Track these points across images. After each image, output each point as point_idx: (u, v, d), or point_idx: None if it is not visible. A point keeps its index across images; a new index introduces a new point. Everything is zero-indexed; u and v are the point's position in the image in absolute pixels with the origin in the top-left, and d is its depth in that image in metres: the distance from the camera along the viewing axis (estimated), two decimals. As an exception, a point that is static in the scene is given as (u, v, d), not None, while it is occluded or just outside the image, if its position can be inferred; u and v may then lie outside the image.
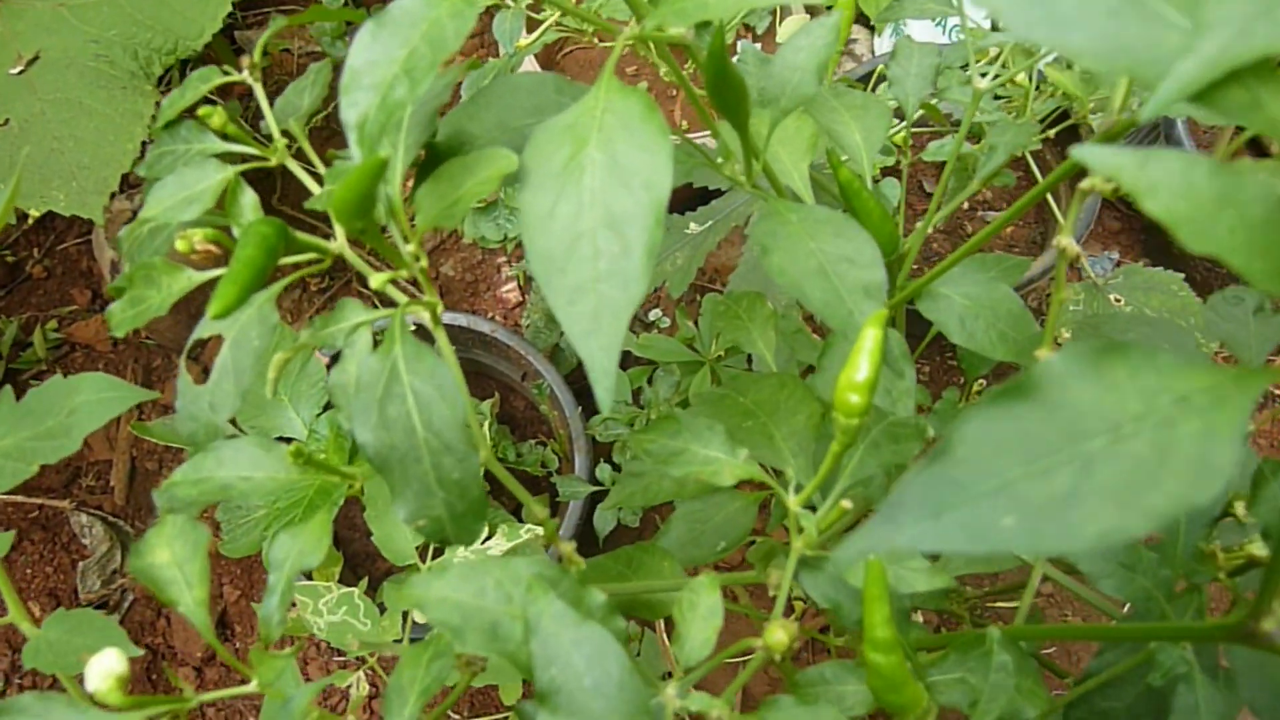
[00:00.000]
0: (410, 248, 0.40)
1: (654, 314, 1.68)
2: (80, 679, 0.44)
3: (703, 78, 0.44)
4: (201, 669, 1.64)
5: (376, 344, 0.39)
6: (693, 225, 1.19)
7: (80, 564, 1.66)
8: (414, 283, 0.44)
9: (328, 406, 1.17)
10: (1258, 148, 1.59)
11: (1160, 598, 0.50)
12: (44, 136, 1.18)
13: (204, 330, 0.43)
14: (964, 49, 0.76)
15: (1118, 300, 1.31)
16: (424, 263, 0.41)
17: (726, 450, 0.45)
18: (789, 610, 0.49)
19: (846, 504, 0.42)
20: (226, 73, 0.47)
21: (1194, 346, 0.70)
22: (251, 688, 0.40)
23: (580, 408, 1.42)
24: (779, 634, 0.39)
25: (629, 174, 0.38)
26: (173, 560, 0.39)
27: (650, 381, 1.43)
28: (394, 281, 0.39)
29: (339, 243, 0.46)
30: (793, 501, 0.44)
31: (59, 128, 1.19)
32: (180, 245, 0.42)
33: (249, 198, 0.44)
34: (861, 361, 0.40)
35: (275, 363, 0.41)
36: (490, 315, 1.75)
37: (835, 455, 0.42)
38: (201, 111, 0.43)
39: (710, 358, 1.53)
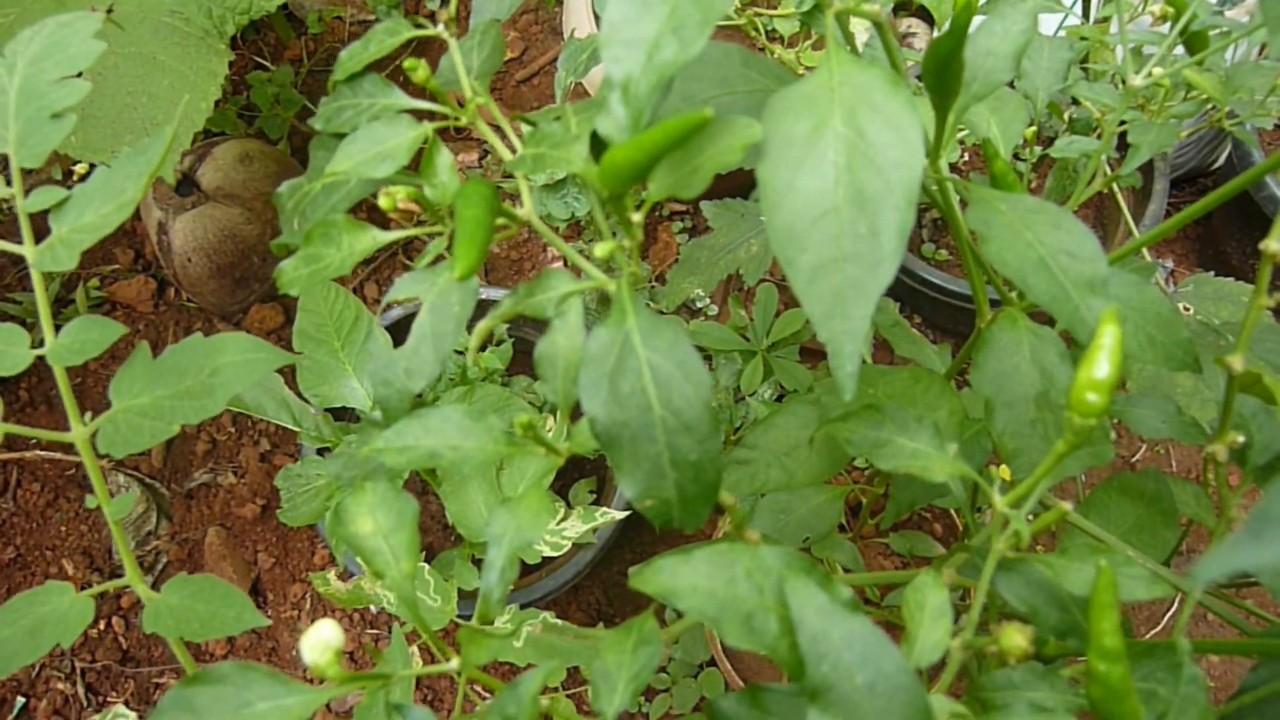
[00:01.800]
0: (637, 217, 0.38)
1: (703, 301, 1.66)
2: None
3: (929, 57, 0.42)
4: (233, 638, 1.62)
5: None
6: (769, 213, 1.17)
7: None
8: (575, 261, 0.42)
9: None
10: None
11: (1343, 615, 0.48)
12: (117, 90, 1.16)
13: (399, 293, 0.41)
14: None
15: (1187, 309, 1.29)
16: (640, 235, 0.39)
17: (935, 445, 0.43)
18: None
19: (1067, 505, 0.40)
20: (419, 25, 0.45)
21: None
22: (453, 665, 0.38)
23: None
24: (1017, 638, 0.37)
25: (877, 151, 0.36)
26: (377, 530, 0.37)
27: (710, 368, 1.41)
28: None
29: (526, 210, 0.44)
30: (1000, 501, 0.42)
31: (132, 82, 1.16)
32: (384, 203, 0.40)
33: (445, 158, 0.42)
34: (1101, 360, 0.38)
35: (480, 330, 0.39)
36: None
37: (1059, 455, 0.40)
38: (407, 64, 0.41)
39: (763, 348, 1.51)
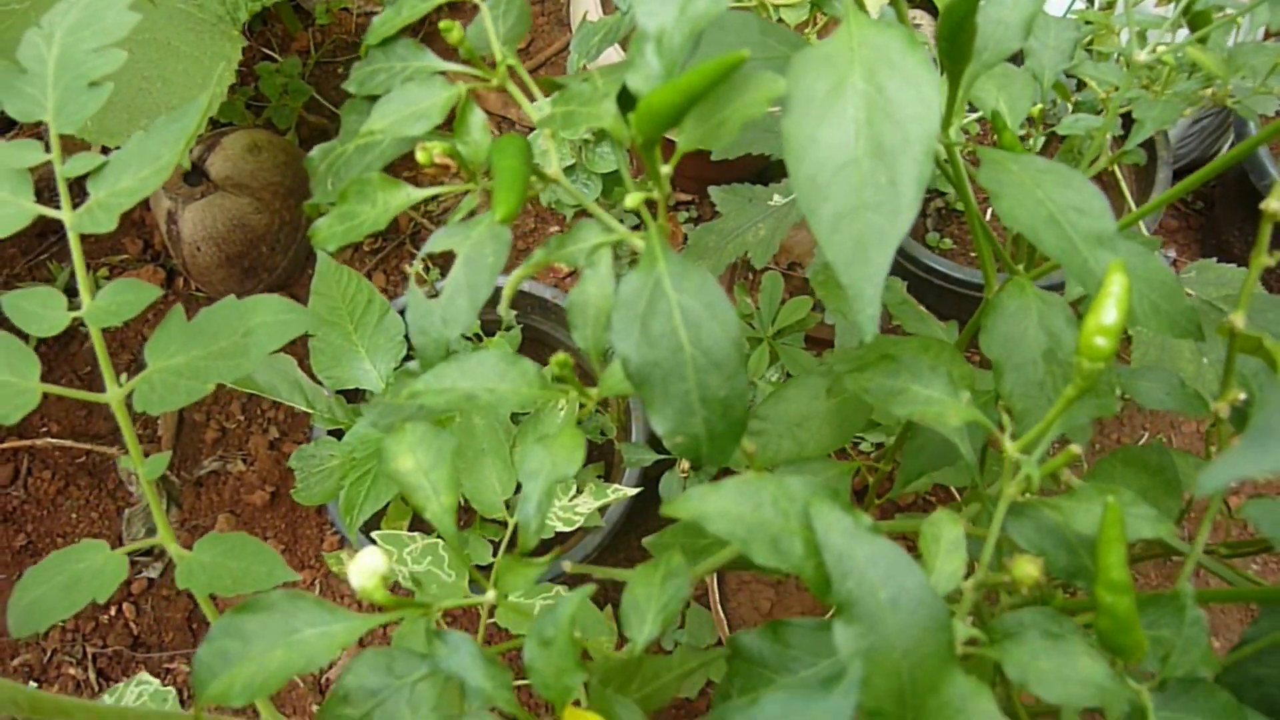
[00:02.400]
0: (666, 169, 0.40)
1: (708, 290, 1.67)
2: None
3: (943, 22, 0.44)
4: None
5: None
6: (776, 197, 1.19)
7: (125, 511, 1.66)
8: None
9: (406, 358, 1.16)
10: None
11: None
12: (131, 75, 1.17)
13: (435, 245, 0.43)
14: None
15: (1190, 295, 1.31)
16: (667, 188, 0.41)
17: (949, 392, 0.45)
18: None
19: (1076, 449, 0.42)
20: (452, -8, 0.47)
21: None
22: (489, 597, 0.39)
23: (641, 377, 1.42)
24: (1028, 567, 0.39)
25: (896, 106, 0.38)
26: (417, 467, 0.39)
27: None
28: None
29: (554, 170, 0.46)
30: (1011, 447, 0.44)
31: (147, 68, 1.18)
32: (421, 157, 0.42)
33: (479, 117, 0.44)
34: (1109, 306, 0.40)
35: (514, 280, 0.41)
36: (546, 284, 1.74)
37: (1069, 399, 0.42)
38: (442, 25, 0.43)
39: (769, 335, 1.53)
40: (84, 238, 0.57)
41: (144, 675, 0.84)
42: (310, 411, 1.23)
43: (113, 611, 1.62)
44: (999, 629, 0.42)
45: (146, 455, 1.18)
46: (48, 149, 0.56)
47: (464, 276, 0.42)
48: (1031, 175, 0.45)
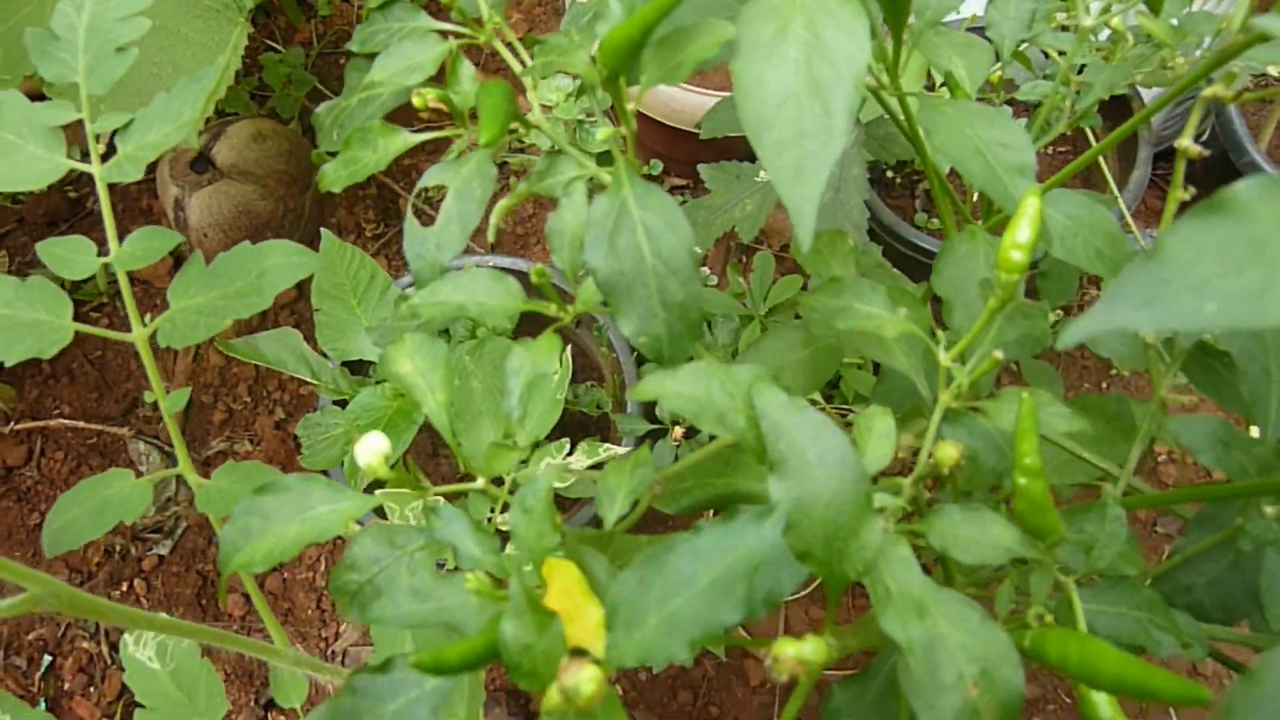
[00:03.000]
0: (632, 106, 0.46)
1: (703, 271, 1.73)
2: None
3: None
4: (245, 617, 1.69)
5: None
6: (763, 174, 1.25)
7: (136, 490, 1.72)
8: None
9: (407, 332, 1.22)
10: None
11: (1252, 470, 0.56)
12: (142, 61, 1.24)
13: (429, 180, 0.49)
14: None
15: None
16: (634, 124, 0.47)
17: (887, 308, 0.51)
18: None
19: (998, 354, 0.48)
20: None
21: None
22: (478, 484, 0.46)
23: (634, 353, 1.48)
24: (950, 450, 0.45)
25: (830, 48, 0.44)
26: (415, 370, 0.45)
27: (710, 328, 1.49)
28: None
29: (535, 116, 0.52)
30: (944, 357, 0.50)
31: (157, 54, 1.24)
32: (416, 102, 0.48)
33: (468, 69, 0.50)
34: (1023, 225, 0.46)
35: (500, 209, 0.47)
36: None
37: (992, 310, 0.48)
38: (435, -15, 0.49)
39: (760, 313, 1.59)
40: (95, 223, 0.63)
41: (163, 617, 0.90)
42: (315, 386, 1.29)
43: (124, 588, 1.69)
44: (928, 512, 0.48)
45: (156, 436, 1.26)
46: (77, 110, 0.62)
47: (455, 207, 0.48)
48: (963, 116, 0.51)
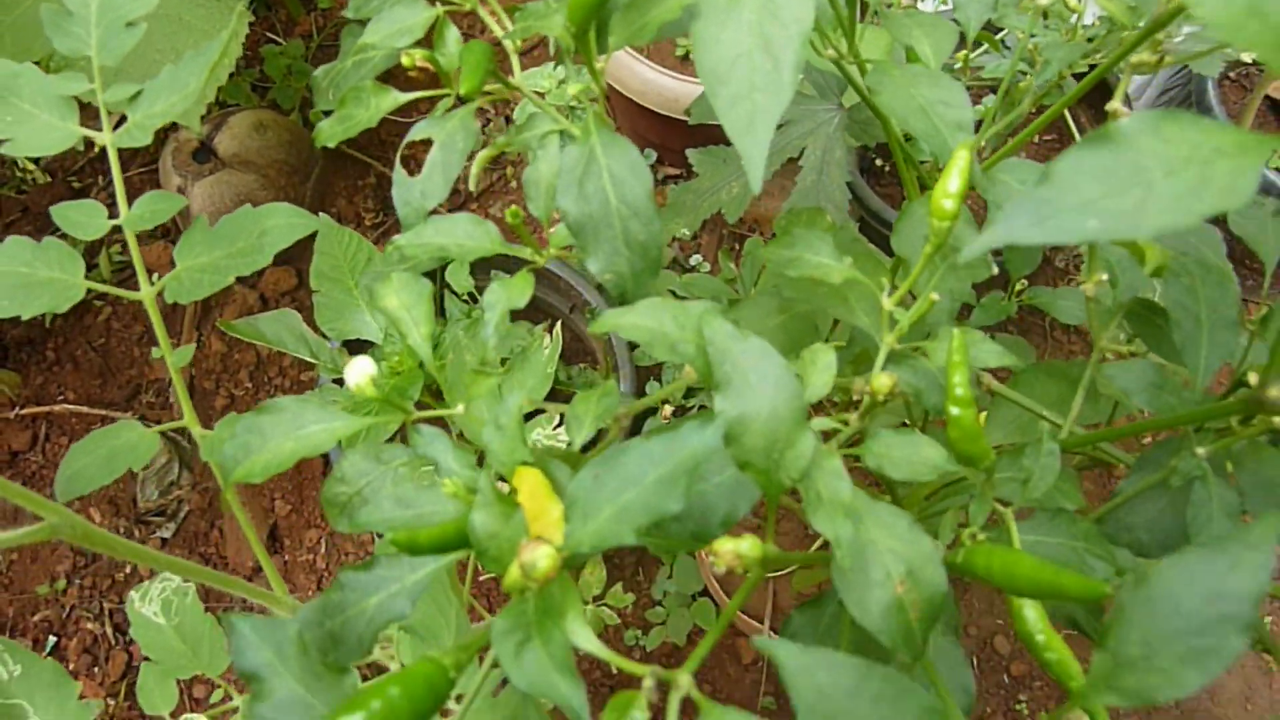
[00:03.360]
0: (601, 64, 0.51)
1: (695, 259, 1.78)
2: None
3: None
4: (251, 578, 1.74)
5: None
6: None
7: (140, 474, 1.77)
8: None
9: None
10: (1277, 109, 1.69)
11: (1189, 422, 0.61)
12: (146, 49, 1.29)
13: (416, 135, 0.54)
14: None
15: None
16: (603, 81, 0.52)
17: (834, 257, 0.56)
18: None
19: (935, 296, 0.52)
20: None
21: (1219, 242, 0.81)
22: (458, 410, 0.50)
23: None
24: (884, 379, 0.50)
25: (781, 10, 0.49)
26: (401, 305, 0.50)
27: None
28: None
29: (516, 79, 0.57)
30: (888, 302, 0.55)
31: (160, 41, 1.30)
32: (405, 61, 0.53)
33: (453, 32, 0.55)
34: (954, 176, 0.51)
35: (480, 159, 0.52)
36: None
37: (928, 255, 0.53)
38: (419, -42, 0.54)
39: (751, 297, 1.64)
40: None
41: (167, 574, 0.95)
42: (315, 367, 1.34)
43: (128, 570, 1.74)
44: (866, 437, 0.53)
45: (159, 421, 1.31)
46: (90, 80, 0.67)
47: (439, 157, 0.53)
48: (908, 78, 0.56)
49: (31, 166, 1.94)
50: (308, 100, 1.91)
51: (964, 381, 0.50)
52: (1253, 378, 0.53)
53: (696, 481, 0.39)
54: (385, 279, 0.51)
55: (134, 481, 1.78)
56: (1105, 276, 0.65)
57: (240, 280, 1.89)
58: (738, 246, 1.85)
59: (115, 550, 0.61)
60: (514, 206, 0.51)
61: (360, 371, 0.46)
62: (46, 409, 1.79)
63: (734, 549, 0.40)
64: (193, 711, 1.12)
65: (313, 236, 2.02)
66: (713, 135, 1.73)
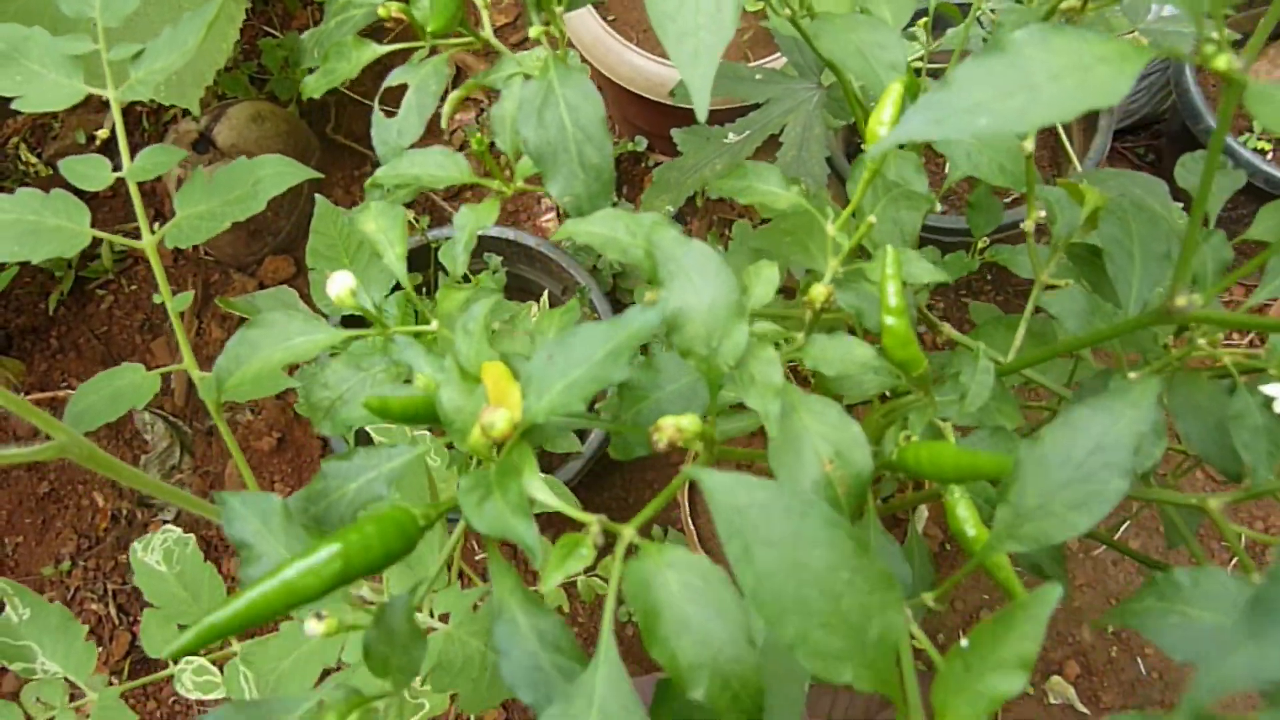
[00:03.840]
0: (560, 9, 0.56)
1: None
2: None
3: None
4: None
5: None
6: (731, 135, 1.36)
7: (143, 457, 1.82)
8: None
9: (395, 288, 1.33)
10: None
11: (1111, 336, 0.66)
12: (145, 34, 1.35)
13: (393, 80, 0.59)
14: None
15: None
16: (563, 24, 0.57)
17: (781, 186, 0.62)
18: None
19: (872, 219, 0.58)
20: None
21: (1165, 193, 0.86)
22: (433, 326, 0.56)
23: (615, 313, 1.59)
24: (818, 289, 0.55)
25: (723, -43, 0.55)
26: (378, 229, 0.56)
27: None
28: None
29: (486, 33, 0.63)
30: (831, 228, 0.60)
31: (159, 26, 1.35)
32: (381, 12, 0.58)
33: (427, -13, 0.61)
34: (887, 106, 0.56)
35: (452, 99, 0.58)
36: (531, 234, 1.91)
37: (866, 181, 0.58)
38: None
39: (724, 253, 1.70)
40: (100, 204, 0.73)
41: (169, 526, 1.00)
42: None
43: (130, 552, 1.79)
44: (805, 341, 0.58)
45: (161, 407, 1.37)
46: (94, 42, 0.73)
47: (414, 99, 0.58)
48: (848, 24, 0.62)
49: (34, 160, 2.00)
50: (305, 92, 1.97)
51: (897, 292, 0.55)
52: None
53: (647, 371, 0.44)
54: (365, 207, 0.56)
55: (137, 464, 1.84)
56: (1043, 212, 0.70)
57: (240, 269, 1.95)
58: (727, 232, 1.90)
59: (119, 474, 0.67)
60: (479, 134, 0.56)
61: (341, 284, 0.52)
62: (50, 395, 1.85)
63: (675, 423, 0.45)
64: (192, 655, 1.17)
65: (310, 225, 2.08)
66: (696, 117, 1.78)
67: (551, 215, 1.94)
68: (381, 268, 1.33)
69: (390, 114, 0.60)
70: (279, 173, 0.71)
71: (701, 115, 0.52)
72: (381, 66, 0.63)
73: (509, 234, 1.62)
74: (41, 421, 0.61)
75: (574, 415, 0.47)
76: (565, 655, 0.42)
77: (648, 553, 0.41)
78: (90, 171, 0.74)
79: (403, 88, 0.62)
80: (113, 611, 1.76)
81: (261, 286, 1.94)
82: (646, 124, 1.86)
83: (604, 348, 0.44)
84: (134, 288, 1.95)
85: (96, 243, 1.96)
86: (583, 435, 1.53)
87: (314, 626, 0.45)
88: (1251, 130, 1.68)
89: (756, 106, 1.35)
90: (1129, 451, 0.43)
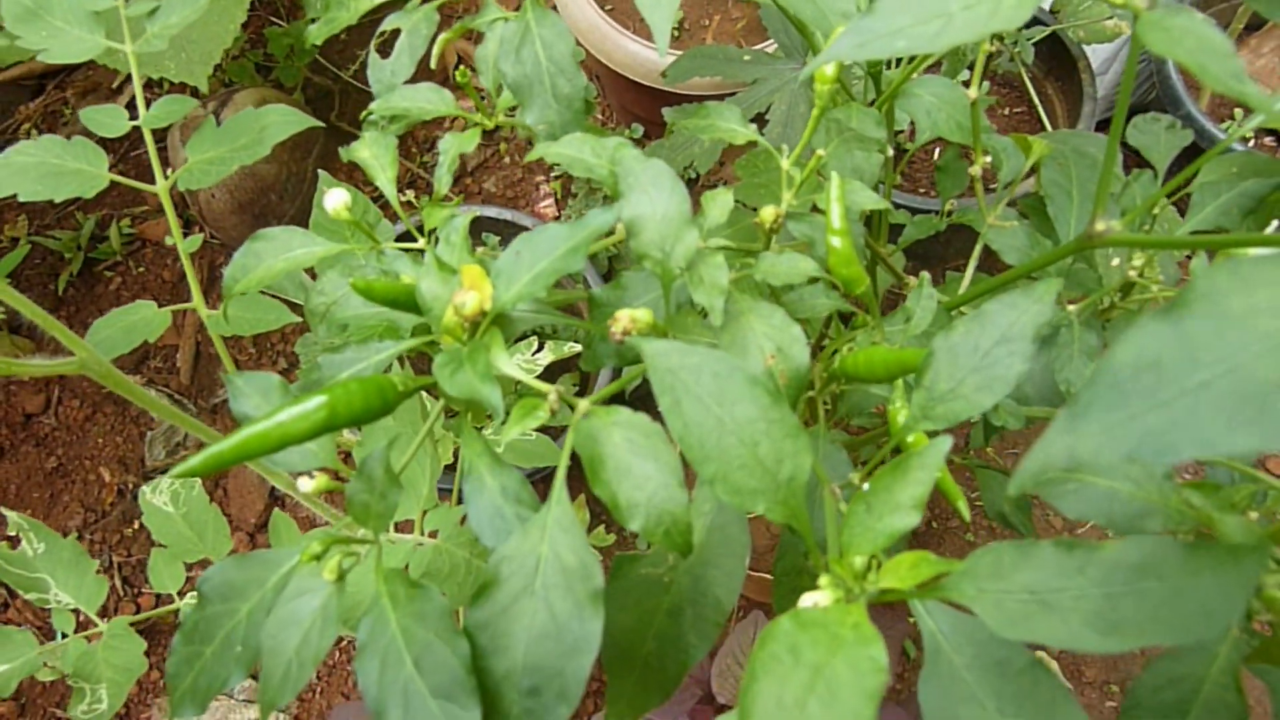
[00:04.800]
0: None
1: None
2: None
3: None
4: (254, 535, 1.86)
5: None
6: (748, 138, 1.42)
7: (148, 434, 1.90)
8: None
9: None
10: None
11: (1051, 270, 0.72)
12: None
13: (387, 25, 0.66)
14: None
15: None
16: (542, -22, 0.64)
17: (740, 123, 0.68)
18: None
19: (821, 152, 0.64)
20: None
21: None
22: (420, 244, 0.62)
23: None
24: (769, 209, 0.62)
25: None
26: (371, 155, 0.62)
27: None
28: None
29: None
30: (785, 163, 0.67)
31: None
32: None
33: (418, -58, 0.67)
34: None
35: (441, 42, 0.65)
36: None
37: (815, 119, 0.65)
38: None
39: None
40: (109, 189, 0.79)
41: (171, 448, 1.07)
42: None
43: (136, 525, 1.86)
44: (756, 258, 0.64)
45: (167, 384, 1.43)
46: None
47: (406, 42, 0.65)
48: (803, -21, 0.69)
49: (46, 145, 2.07)
50: (309, 80, 2.05)
51: (841, 215, 0.62)
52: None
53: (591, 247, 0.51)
54: (361, 140, 0.63)
55: (142, 442, 1.91)
56: (988, 158, 0.76)
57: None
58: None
59: (132, 394, 0.73)
60: (462, 68, 0.63)
61: (337, 199, 0.59)
62: (59, 372, 1.92)
63: (630, 314, 0.52)
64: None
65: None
66: (688, 101, 1.86)
67: (549, 201, 2.01)
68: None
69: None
70: (283, 120, 0.78)
71: (662, 50, 0.59)
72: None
73: (507, 215, 1.69)
74: (64, 336, 0.68)
75: (540, 306, 0.54)
76: (524, 505, 0.49)
77: (597, 414, 0.48)
78: (108, 119, 0.81)
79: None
80: (118, 584, 1.83)
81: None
82: (642, 110, 1.93)
83: (566, 244, 0.51)
84: (141, 270, 2.02)
85: (105, 225, 2.04)
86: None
87: (306, 483, 0.51)
88: (1233, 117, 1.75)
89: (743, 86, 1.42)
90: (1030, 341, 0.50)
